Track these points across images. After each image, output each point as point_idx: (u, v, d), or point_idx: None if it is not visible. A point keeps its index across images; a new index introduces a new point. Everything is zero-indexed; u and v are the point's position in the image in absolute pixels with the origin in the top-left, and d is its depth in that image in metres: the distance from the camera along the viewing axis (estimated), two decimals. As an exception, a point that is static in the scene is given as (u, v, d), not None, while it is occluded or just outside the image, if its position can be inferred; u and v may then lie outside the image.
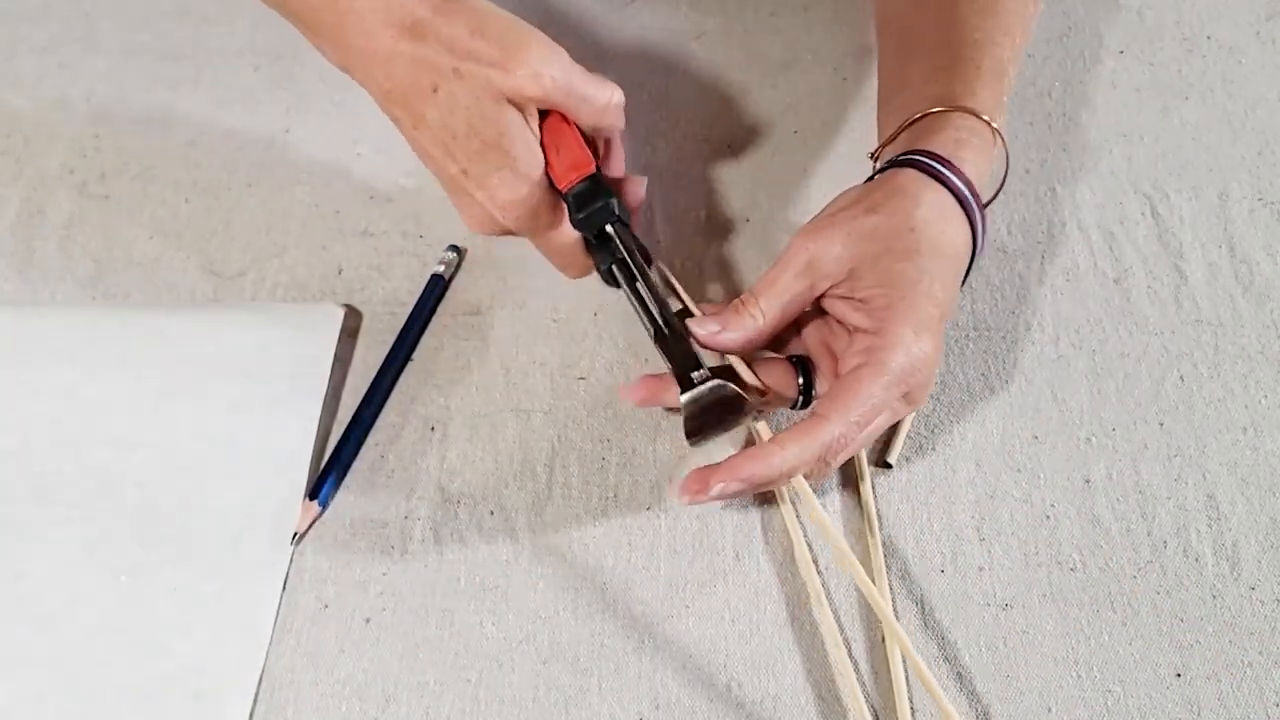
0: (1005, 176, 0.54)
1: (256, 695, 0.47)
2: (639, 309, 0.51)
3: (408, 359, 0.56)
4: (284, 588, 0.50)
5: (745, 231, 0.61)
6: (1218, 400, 0.55)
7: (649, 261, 0.52)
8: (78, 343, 0.56)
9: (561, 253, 0.53)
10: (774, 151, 0.64)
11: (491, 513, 0.52)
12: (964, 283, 0.51)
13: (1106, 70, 0.67)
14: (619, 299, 0.58)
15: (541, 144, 0.50)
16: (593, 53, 0.67)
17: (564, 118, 0.50)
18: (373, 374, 0.55)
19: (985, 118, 0.52)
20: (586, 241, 0.52)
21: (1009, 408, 0.55)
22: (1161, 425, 0.54)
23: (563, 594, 0.50)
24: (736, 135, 0.65)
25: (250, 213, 0.62)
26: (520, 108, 0.49)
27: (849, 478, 0.53)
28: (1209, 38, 0.68)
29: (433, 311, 0.58)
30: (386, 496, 0.53)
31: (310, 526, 0.52)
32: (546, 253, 0.53)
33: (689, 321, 0.50)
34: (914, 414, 0.54)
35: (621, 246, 0.51)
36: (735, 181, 0.63)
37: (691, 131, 0.65)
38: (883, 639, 0.48)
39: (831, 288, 0.49)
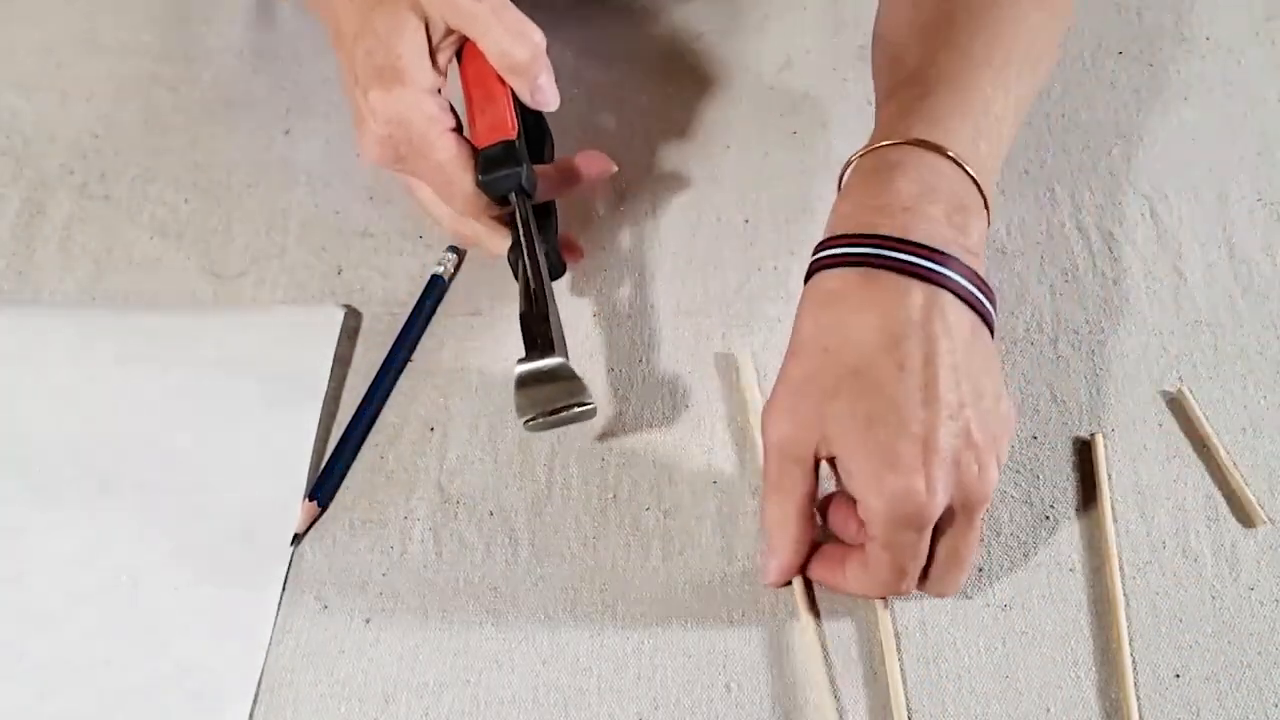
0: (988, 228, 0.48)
1: (256, 696, 0.47)
2: (519, 280, 0.50)
3: (407, 359, 0.56)
4: (284, 588, 0.50)
5: (745, 232, 0.61)
6: (1217, 400, 0.55)
7: (546, 243, 0.51)
8: (78, 343, 0.56)
9: (453, 198, 0.50)
10: (774, 151, 0.64)
11: (491, 513, 0.52)
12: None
13: (1106, 71, 0.67)
14: (620, 300, 0.58)
15: (467, 94, 0.49)
16: (592, 53, 0.68)
17: (498, 75, 0.50)
18: (372, 374, 0.55)
19: (952, 154, 0.45)
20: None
21: (1008, 408, 0.55)
22: (1160, 426, 0.54)
23: (562, 594, 0.50)
24: (736, 135, 0.65)
25: (250, 213, 0.62)
26: (428, 22, 0.47)
27: (848, 478, 0.53)
28: (1208, 38, 0.68)
29: (432, 312, 0.58)
30: (386, 497, 0.53)
31: (310, 527, 0.52)
32: (438, 196, 0.50)
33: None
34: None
35: (519, 218, 0.50)
36: (735, 182, 0.63)
37: (691, 132, 0.65)
38: (881, 639, 0.48)
39: (817, 460, 0.44)
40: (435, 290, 0.58)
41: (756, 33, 0.69)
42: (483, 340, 0.57)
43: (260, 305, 0.58)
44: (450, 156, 0.48)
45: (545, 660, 0.48)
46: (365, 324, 0.58)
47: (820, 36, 0.69)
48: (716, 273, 0.59)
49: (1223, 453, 0.53)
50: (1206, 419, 0.54)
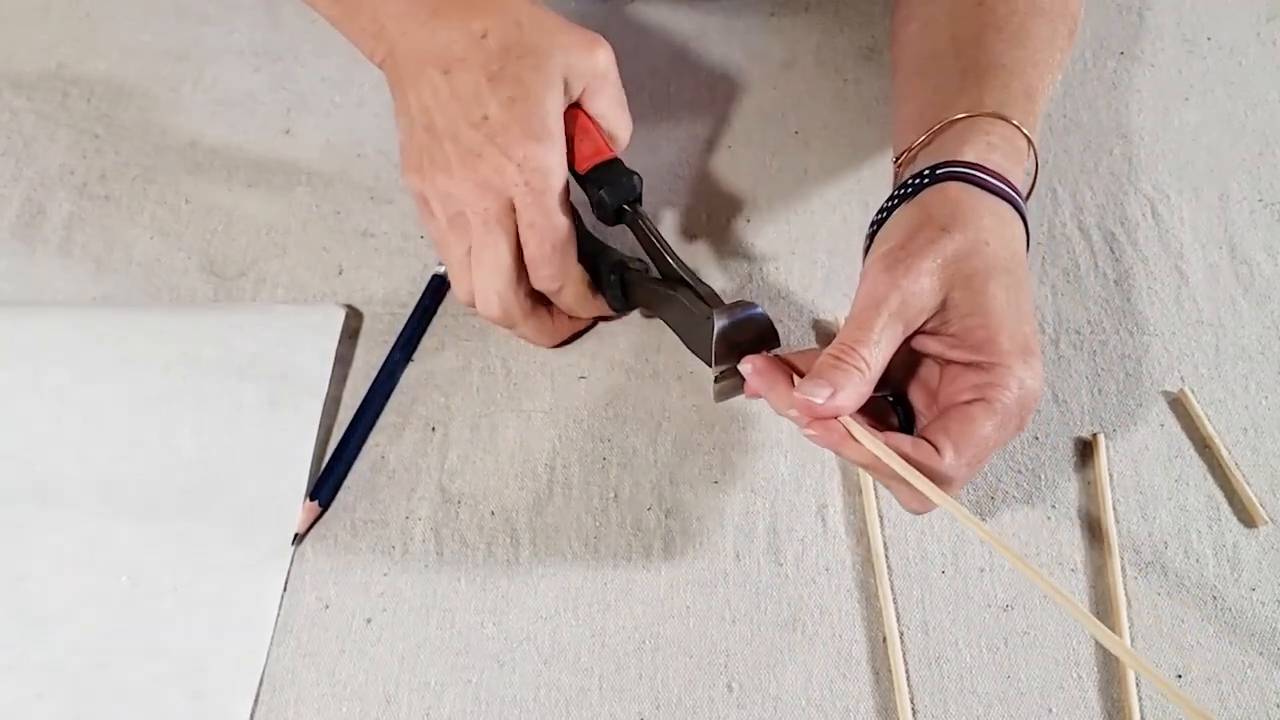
0: (1033, 188, 0.53)
1: (257, 696, 0.47)
2: (674, 276, 0.50)
3: (408, 359, 0.56)
4: (285, 588, 0.50)
5: (745, 232, 0.61)
6: (1218, 401, 0.55)
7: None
8: (78, 343, 0.56)
9: (557, 250, 0.50)
10: (774, 152, 0.64)
11: (492, 513, 0.52)
12: None
13: (1107, 71, 0.67)
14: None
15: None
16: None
17: (585, 113, 0.51)
18: (373, 374, 0.55)
19: (1016, 123, 0.50)
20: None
21: (1010, 408, 0.55)
22: (1162, 426, 0.54)
23: (563, 594, 0.50)
24: (736, 135, 0.65)
25: (250, 213, 0.62)
26: (567, 85, 0.49)
27: (849, 477, 0.53)
28: (1209, 39, 0.69)
29: (433, 312, 0.58)
30: (387, 497, 0.53)
31: (311, 527, 0.52)
32: (544, 246, 0.50)
33: (794, 391, 0.44)
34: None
35: (645, 227, 0.51)
36: (735, 182, 0.63)
37: (691, 132, 0.65)
38: (884, 639, 0.48)
39: (923, 324, 0.45)
40: (436, 290, 0.58)
41: (759, 33, 0.69)
42: (483, 340, 0.57)
43: (260, 305, 0.58)
44: (568, 211, 0.51)
45: (547, 660, 0.48)
46: (365, 324, 0.58)
47: (823, 37, 0.69)
48: (718, 273, 0.59)
49: (1224, 453, 0.53)
50: (1208, 419, 0.54)
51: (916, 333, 0.46)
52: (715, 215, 0.62)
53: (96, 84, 0.67)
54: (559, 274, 0.51)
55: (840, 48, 0.68)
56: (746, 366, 0.46)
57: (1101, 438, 0.53)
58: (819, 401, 0.43)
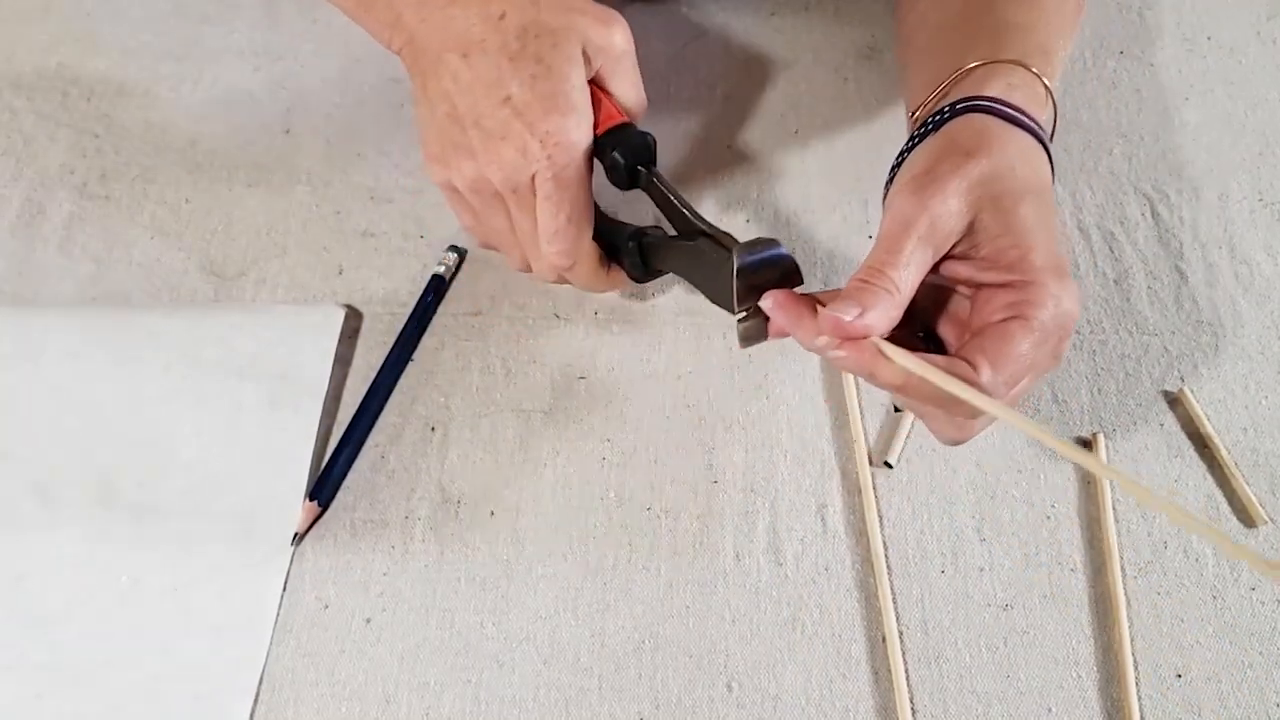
0: (1051, 138, 0.52)
1: (257, 695, 0.47)
2: (693, 230, 0.49)
3: (408, 359, 0.56)
4: (284, 588, 0.50)
5: (746, 232, 0.61)
6: (1218, 401, 0.55)
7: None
8: (78, 343, 0.56)
9: (579, 217, 0.50)
10: (774, 151, 0.64)
11: (492, 513, 0.52)
12: None
13: (1107, 71, 0.67)
14: (621, 299, 0.58)
15: None
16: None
17: (596, 86, 0.51)
18: (373, 374, 0.55)
19: (1036, 71, 0.49)
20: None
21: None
22: (1162, 426, 0.54)
23: (563, 594, 0.50)
24: (736, 135, 0.65)
25: (250, 213, 0.62)
26: (587, 60, 0.49)
27: (849, 477, 0.53)
28: (1209, 38, 0.69)
29: (433, 312, 0.58)
30: (387, 497, 0.53)
31: (311, 527, 0.52)
32: (559, 218, 0.50)
33: (821, 310, 0.43)
34: (914, 415, 0.54)
35: (661, 185, 0.51)
36: (735, 181, 0.63)
37: (691, 131, 0.65)
38: (883, 639, 0.49)
39: (951, 249, 0.44)
40: (436, 290, 0.58)
41: (759, 33, 0.69)
42: (483, 340, 0.57)
43: (260, 305, 0.58)
44: (587, 186, 0.51)
45: (546, 660, 0.48)
46: (365, 324, 0.58)
47: (822, 37, 0.69)
48: (717, 273, 0.59)
49: (1224, 453, 0.53)
50: (1207, 419, 0.54)
51: (945, 258, 0.45)
52: (716, 215, 0.62)
53: (96, 84, 0.67)
54: (571, 249, 0.51)
55: (840, 48, 0.68)
56: (768, 301, 0.45)
57: (1101, 438, 0.53)
58: (848, 319, 0.41)
